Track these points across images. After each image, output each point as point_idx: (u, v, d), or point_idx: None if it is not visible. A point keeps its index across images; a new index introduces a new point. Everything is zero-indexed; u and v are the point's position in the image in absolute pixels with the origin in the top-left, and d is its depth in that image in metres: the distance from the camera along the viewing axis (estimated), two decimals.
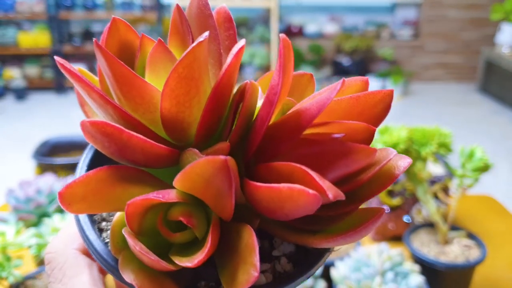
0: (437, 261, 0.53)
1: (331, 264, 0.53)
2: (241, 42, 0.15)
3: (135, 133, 0.15)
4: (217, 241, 0.15)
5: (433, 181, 0.67)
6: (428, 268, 0.54)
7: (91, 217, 0.18)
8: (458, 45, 3.44)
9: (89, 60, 3.28)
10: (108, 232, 0.18)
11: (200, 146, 0.16)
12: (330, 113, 0.17)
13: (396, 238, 0.66)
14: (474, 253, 0.55)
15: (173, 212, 0.16)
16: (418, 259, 0.55)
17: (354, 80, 0.17)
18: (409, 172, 0.57)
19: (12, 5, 3.06)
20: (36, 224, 0.57)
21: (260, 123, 0.15)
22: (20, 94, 3.02)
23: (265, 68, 3.11)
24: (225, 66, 0.15)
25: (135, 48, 0.18)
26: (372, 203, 0.69)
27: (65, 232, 0.20)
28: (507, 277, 0.61)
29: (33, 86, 3.15)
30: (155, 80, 0.17)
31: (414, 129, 0.55)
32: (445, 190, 0.67)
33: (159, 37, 0.17)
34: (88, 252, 0.18)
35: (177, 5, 0.17)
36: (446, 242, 0.57)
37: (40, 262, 0.56)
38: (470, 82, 3.45)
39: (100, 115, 0.17)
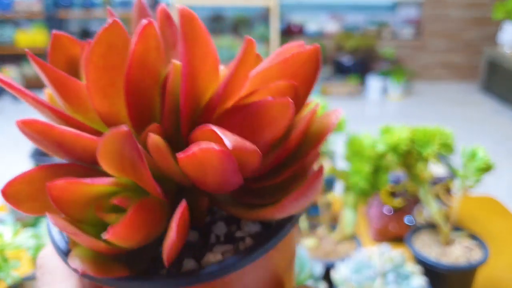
0: (439, 263, 0.53)
1: (332, 266, 0.52)
2: (145, 21, 0.15)
3: (67, 128, 0.14)
4: (147, 217, 0.15)
5: (434, 182, 0.66)
6: (429, 270, 0.53)
7: None
8: (460, 45, 3.42)
9: None
10: None
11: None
12: (262, 80, 0.16)
13: (397, 239, 0.65)
14: (476, 254, 0.55)
15: (111, 199, 0.15)
16: (419, 261, 0.54)
17: (290, 46, 0.17)
18: (411, 172, 0.56)
19: (10, 4, 3.06)
20: (34, 225, 0.56)
21: (181, 100, 0.15)
22: None
23: None
24: (131, 47, 0.14)
25: (80, 61, 0.18)
26: (373, 205, 0.69)
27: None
28: (510, 278, 0.61)
29: (30, 86, 3.15)
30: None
31: (416, 129, 0.55)
32: (447, 190, 0.66)
33: (89, 40, 0.16)
34: None
35: (108, 9, 0.18)
36: (448, 243, 0.57)
37: None
38: (472, 81, 3.43)
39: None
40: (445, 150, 0.54)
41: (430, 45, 3.41)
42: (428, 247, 0.57)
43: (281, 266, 0.18)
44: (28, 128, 0.15)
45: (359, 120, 2.63)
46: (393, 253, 0.49)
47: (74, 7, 3.12)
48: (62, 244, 0.17)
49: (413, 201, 0.67)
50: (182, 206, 0.14)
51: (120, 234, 0.14)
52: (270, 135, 0.15)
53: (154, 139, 0.14)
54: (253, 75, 0.17)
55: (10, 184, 0.15)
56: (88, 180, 0.14)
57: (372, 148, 0.53)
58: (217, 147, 0.13)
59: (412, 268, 0.49)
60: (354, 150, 0.54)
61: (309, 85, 0.17)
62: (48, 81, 0.15)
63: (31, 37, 3.09)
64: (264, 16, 3.38)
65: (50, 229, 0.17)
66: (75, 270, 0.15)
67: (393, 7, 3.51)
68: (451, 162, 0.60)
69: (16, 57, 3.18)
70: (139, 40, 0.15)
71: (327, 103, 0.57)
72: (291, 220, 0.17)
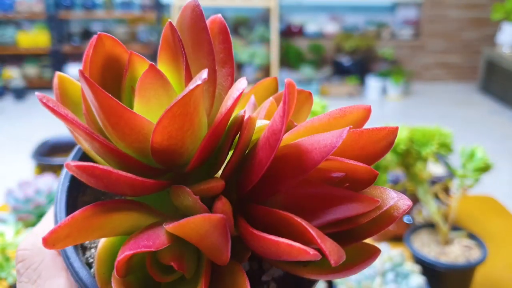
0: (437, 262, 0.53)
1: None
2: (243, 84, 0.15)
3: (123, 173, 0.14)
4: (209, 283, 0.15)
5: (433, 181, 0.67)
6: (428, 269, 0.53)
7: (76, 246, 0.18)
8: (458, 45, 3.43)
9: None
10: (92, 250, 0.17)
11: (192, 174, 0.16)
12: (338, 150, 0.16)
13: (396, 239, 0.66)
14: (474, 254, 0.55)
15: (164, 256, 0.15)
16: (418, 260, 0.55)
17: (356, 108, 0.17)
18: (410, 172, 0.57)
19: (12, 4, 3.06)
20: (35, 224, 0.57)
21: (259, 165, 0.15)
22: (19, 94, 3.02)
23: (265, 68, 3.11)
24: (224, 110, 0.15)
25: (122, 64, 0.17)
26: None
27: (43, 229, 0.18)
28: (508, 278, 0.61)
29: (32, 86, 3.15)
30: (145, 107, 0.16)
31: (415, 129, 0.55)
32: (446, 190, 0.67)
33: (151, 63, 0.16)
34: None
35: (170, 22, 0.17)
36: (447, 242, 0.57)
37: None
38: (470, 82, 3.44)
39: (86, 146, 0.16)
40: (444, 150, 0.54)
41: (429, 46, 3.42)
42: (427, 246, 0.57)
43: None
44: (84, 172, 0.14)
45: None
46: (392, 252, 0.49)
47: (76, 7, 3.13)
48: (85, 275, 0.16)
49: (412, 201, 0.68)
50: (242, 273, 0.14)
51: None
52: (340, 218, 0.15)
53: (225, 208, 0.14)
54: (325, 151, 0.15)
55: (53, 232, 0.14)
56: (151, 245, 0.14)
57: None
58: (312, 251, 0.13)
59: (411, 267, 0.49)
60: None
61: (377, 161, 0.17)
62: (99, 106, 0.15)
63: (33, 37, 3.09)
64: (264, 17, 3.39)
65: (68, 254, 0.17)
66: None
67: (392, 8, 3.52)
68: (449, 162, 0.60)
69: (17, 58, 3.18)
70: (235, 102, 0.15)
71: (327, 103, 0.57)
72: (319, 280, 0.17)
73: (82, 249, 0.18)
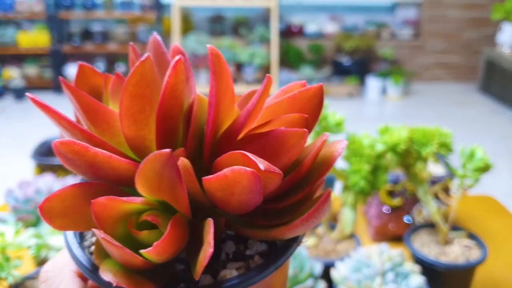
0: (437, 262, 0.53)
1: (332, 265, 0.52)
2: (177, 57, 0.17)
3: (100, 150, 0.16)
4: (177, 234, 0.16)
5: (433, 181, 0.67)
6: (428, 269, 0.54)
7: (82, 239, 0.20)
8: (458, 45, 3.43)
9: (88, 60, 3.28)
10: (87, 243, 0.20)
11: None
12: (273, 113, 0.19)
13: (396, 239, 0.66)
14: (474, 254, 0.55)
15: (141, 216, 0.17)
16: (418, 260, 0.55)
17: (294, 84, 0.20)
18: (410, 172, 0.57)
19: (12, 4, 3.06)
20: (35, 224, 0.57)
21: (207, 127, 0.17)
22: (19, 94, 3.02)
23: (265, 68, 3.11)
24: (165, 79, 0.16)
25: (101, 88, 0.20)
26: (372, 203, 0.69)
27: (65, 254, 0.21)
28: (508, 278, 0.61)
29: (32, 86, 3.15)
30: (117, 107, 0.18)
31: (415, 129, 0.55)
32: (446, 190, 0.67)
33: (116, 71, 0.19)
34: (84, 276, 0.19)
35: (131, 45, 0.19)
36: (447, 242, 0.57)
37: (40, 263, 0.55)
38: (470, 82, 3.44)
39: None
40: (444, 150, 0.54)
41: (428, 46, 3.42)
42: (427, 246, 0.57)
43: (279, 282, 0.19)
44: (64, 147, 0.16)
45: (358, 120, 2.64)
46: (392, 252, 0.49)
47: (76, 7, 3.13)
48: (85, 260, 0.18)
49: (412, 201, 0.68)
50: (211, 222, 0.16)
51: (161, 249, 0.15)
52: (286, 161, 0.17)
53: (184, 162, 0.16)
54: (265, 107, 0.19)
55: (46, 200, 0.16)
56: (125, 199, 0.16)
57: (371, 147, 0.54)
58: (248, 169, 0.15)
59: (411, 267, 0.49)
60: (353, 150, 0.54)
61: (314, 118, 0.19)
62: (78, 105, 0.17)
63: (33, 37, 3.09)
64: (264, 17, 3.38)
65: (71, 246, 0.18)
66: (106, 283, 0.15)
67: (392, 8, 3.52)
68: (449, 162, 0.60)
69: (18, 58, 3.18)
70: (172, 74, 0.16)
71: (327, 103, 0.57)
72: (296, 240, 0.19)
73: (81, 237, 0.20)
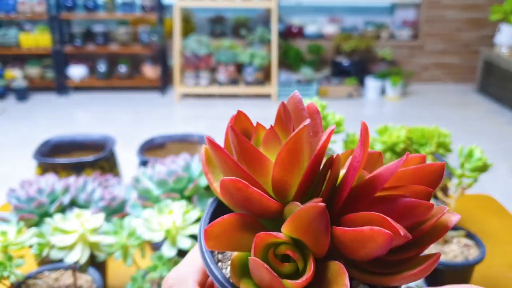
0: None
1: None
2: (331, 127, 0.21)
3: (256, 189, 0.20)
4: (314, 271, 0.19)
5: None
6: None
7: (212, 256, 0.23)
8: (457, 46, 3.44)
9: (89, 60, 3.29)
10: (223, 270, 0.23)
11: (299, 202, 0.21)
12: (399, 180, 0.22)
13: None
14: (473, 253, 0.56)
15: (281, 248, 0.20)
16: None
17: (414, 156, 0.23)
18: None
19: (14, 5, 3.06)
20: (37, 223, 0.57)
21: (345, 183, 0.20)
22: (22, 94, 3.03)
23: (265, 69, 3.12)
24: (321, 142, 0.21)
25: (250, 132, 0.25)
26: None
27: (190, 265, 0.23)
28: (506, 276, 0.61)
29: (34, 87, 3.15)
30: (267, 153, 0.23)
31: (413, 129, 0.55)
32: (444, 189, 0.67)
33: (271, 125, 0.23)
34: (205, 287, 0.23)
35: (282, 102, 0.23)
36: (446, 241, 0.58)
37: (41, 262, 0.56)
38: (469, 82, 3.45)
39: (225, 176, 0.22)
40: (442, 149, 0.55)
41: (427, 46, 3.43)
42: None
43: None
44: (232, 184, 0.20)
45: (358, 121, 2.63)
46: None
47: (77, 8, 3.13)
48: (221, 275, 0.21)
49: None
50: (343, 267, 0.19)
51: (304, 283, 0.19)
52: (410, 223, 0.20)
53: (322, 208, 0.19)
54: (395, 174, 0.21)
55: (211, 225, 0.20)
56: (275, 234, 0.20)
57: (370, 147, 0.54)
58: (387, 231, 0.17)
59: None
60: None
61: (434, 189, 0.22)
62: (239, 148, 0.21)
63: (35, 38, 3.10)
64: (264, 18, 3.39)
65: (209, 263, 0.21)
66: None
67: (390, 9, 3.53)
68: (448, 162, 0.61)
69: (20, 58, 3.19)
70: (326, 139, 0.21)
71: (326, 104, 0.58)
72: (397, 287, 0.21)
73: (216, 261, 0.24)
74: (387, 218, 0.18)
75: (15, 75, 3.10)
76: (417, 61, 3.44)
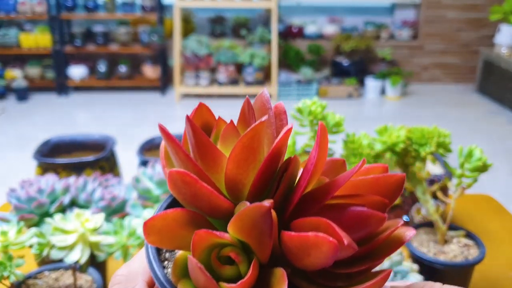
0: (436, 260, 0.54)
1: None
2: (289, 125, 0.20)
3: (205, 184, 0.18)
4: (255, 277, 0.18)
5: (432, 180, 0.67)
6: (427, 267, 0.54)
7: (158, 254, 0.22)
8: (456, 46, 3.44)
9: (90, 60, 3.29)
10: (169, 269, 0.22)
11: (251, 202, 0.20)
12: (356, 188, 0.21)
13: None
14: (473, 252, 0.56)
15: (225, 250, 0.19)
16: (417, 259, 0.55)
17: (377, 166, 0.22)
18: (409, 171, 0.57)
19: (14, 5, 3.06)
20: (38, 223, 0.57)
21: (298, 187, 0.19)
22: (22, 94, 3.03)
23: (265, 69, 3.12)
24: (276, 141, 0.19)
25: (212, 126, 0.23)
26: None
27: (140, 262, 0.22)
28: (506, 276, 0.61)
29: (34, 87, 3.15)
30: (224, 149, 0.21)
31: (413, 129, 0.56)
32: (444, 189, 0.67)
33: (231, 120, 0.22)
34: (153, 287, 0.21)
35: (247, 98, 0.22)
36: (445, 241, 0.58)
37: (41, 262, 0.56)
38: (468, 82, 3.45)
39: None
40: (442, 149, 0.55)
41: (427, 47, 3.43)
42: (426, 245, 0.58)
43: None
44: (179, 176, 0.18)
45: (357, 121, 2.64)
46: None
47: (78, 9, 3.13)
48: (161, 273, 0.20)
49: (411, 200, 0.68)
50: (285, 274, 0.18)
51: (242, 287, 0.17)
52: (359, 236, 0.19)
53: (273, 214, 0.18)
54: (351, 181, 0.20)
55: (152, 219, 0.18)
56: (218, 233, 0.18)
57: (370, 147, 0.54)
58: (331, 238, 0.16)
59: (410, 266, 0.50)
60: (353, 150, 0.55)
61: (392, 201, 0.21)
62: (194, 140, 0.19)
63: (35, 38, 3.09)
64: (264, 18, 3.39)
65: (152, 261, 0.20)
66: None
67: (390, 9, 3.53)
68: (448, 162, 0.61)
69: (20, 58, 3.19)
70: (282, 138, 0.19)
71: (326, 104, 0.58)
72: None
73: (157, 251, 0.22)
74: (333, 224, 0.17)
75: (15, 75, 3.10)
76: (417, 61, 3.44)
